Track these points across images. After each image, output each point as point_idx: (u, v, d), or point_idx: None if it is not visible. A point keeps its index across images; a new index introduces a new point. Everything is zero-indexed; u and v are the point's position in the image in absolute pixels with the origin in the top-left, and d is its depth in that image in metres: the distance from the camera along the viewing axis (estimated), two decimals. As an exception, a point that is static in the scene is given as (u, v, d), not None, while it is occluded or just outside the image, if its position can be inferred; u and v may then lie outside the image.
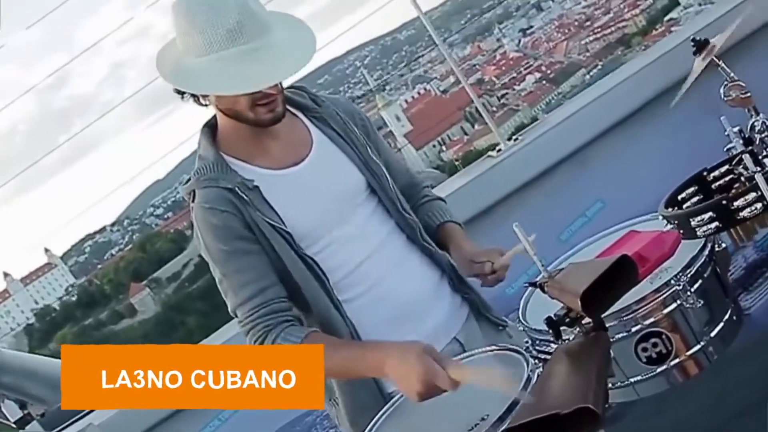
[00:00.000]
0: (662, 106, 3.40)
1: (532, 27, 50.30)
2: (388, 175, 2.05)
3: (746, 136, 2.03)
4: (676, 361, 1.81)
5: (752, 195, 1.80)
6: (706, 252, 1.87)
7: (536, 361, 1.76)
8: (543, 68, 47.09)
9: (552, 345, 1.83)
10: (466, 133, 44.44)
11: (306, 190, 1.96)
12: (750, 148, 1.93)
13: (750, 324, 2.11)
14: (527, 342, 1.93)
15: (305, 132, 2.03)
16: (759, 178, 1.77)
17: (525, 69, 47.45)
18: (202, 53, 1.80)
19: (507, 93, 45.92)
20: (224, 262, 1.90)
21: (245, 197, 1.88)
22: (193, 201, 1.94)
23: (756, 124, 1.94)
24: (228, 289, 1.92)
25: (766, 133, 1.92)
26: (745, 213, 1.81)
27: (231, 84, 1.81)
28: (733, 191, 1.87)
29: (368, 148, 2.05)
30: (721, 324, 1.85)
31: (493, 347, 1.89)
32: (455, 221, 2.17)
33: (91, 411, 3.11)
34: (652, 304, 1.81)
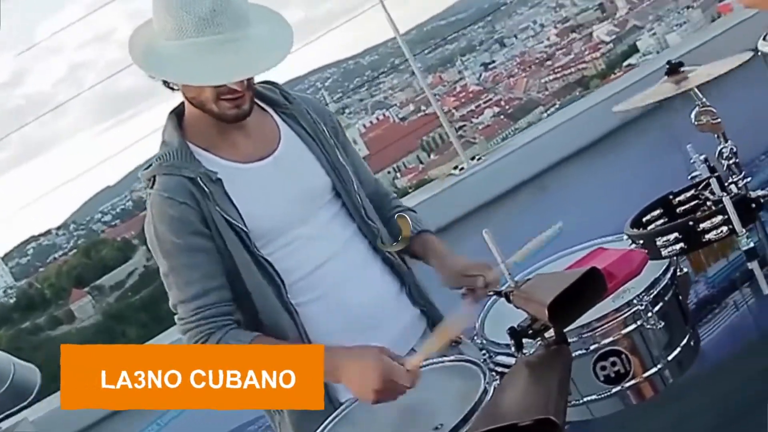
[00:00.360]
0: (625, 135, 3.44)
1: (494, 62, 50.85)
2: (354, 180, 2.01)
3: (711, 165, 2.05)
4: (633, 382, 1.80)
5: (718, 218, 1.81)
6: (669, 274, 1.86)
7: (493, 373, 1.73)
8: (502, 103, 47.53)
9: (509, 359, 1.81)
10: (421, 162, 44.61)
11: (270, 186, 1.92)
12: (716, 174, 1.94)
13: (700, 358, 2.10)
14: (484, 354, 1.89)
15: (274, 127, 1.99)
16: (727, 202, 1.77)
17: (484, 103, 47.85)
18: (172, 37, 1.76)
19: (465, 125, 46.24)
20: (174, 256, 1.85)
21: (206, 189, 1.83)
22: (151, 187, 1.88)
23: (724, 150, 1.94)
24: (173, 284, 1.87)
25: (733, 160, 1.92)
26: (710, 236, 1.81)
27: (196, 74, 1.77)
28: (700, 213, 1.87)
29: (337, 150, 2.02)
30: (679, 348, 1.86)
31: (451, 357, 1.86)
32: (431, 231, 2.12)
33: (28, 406, 3.01)
34: (612, 323, 1.80)
